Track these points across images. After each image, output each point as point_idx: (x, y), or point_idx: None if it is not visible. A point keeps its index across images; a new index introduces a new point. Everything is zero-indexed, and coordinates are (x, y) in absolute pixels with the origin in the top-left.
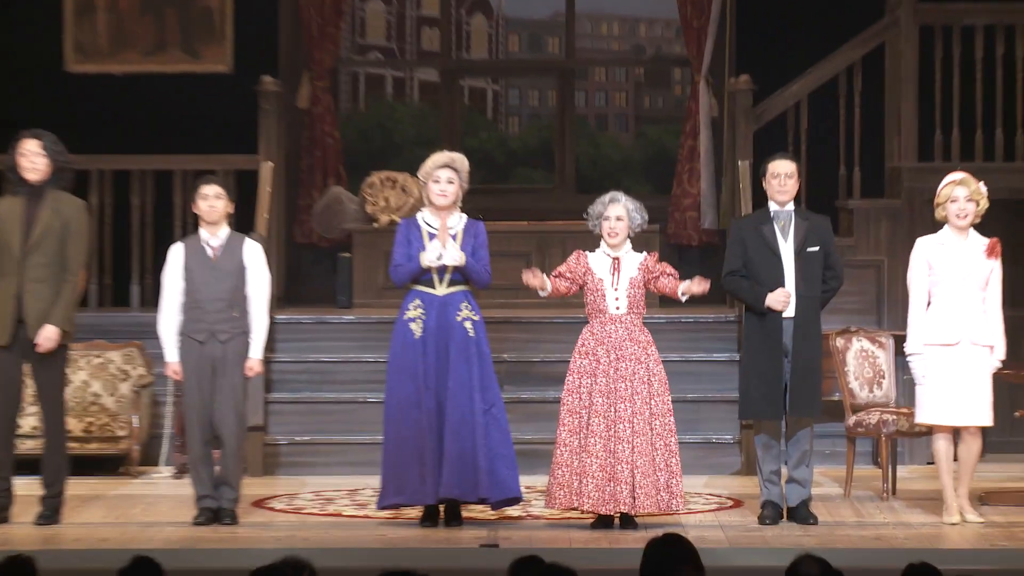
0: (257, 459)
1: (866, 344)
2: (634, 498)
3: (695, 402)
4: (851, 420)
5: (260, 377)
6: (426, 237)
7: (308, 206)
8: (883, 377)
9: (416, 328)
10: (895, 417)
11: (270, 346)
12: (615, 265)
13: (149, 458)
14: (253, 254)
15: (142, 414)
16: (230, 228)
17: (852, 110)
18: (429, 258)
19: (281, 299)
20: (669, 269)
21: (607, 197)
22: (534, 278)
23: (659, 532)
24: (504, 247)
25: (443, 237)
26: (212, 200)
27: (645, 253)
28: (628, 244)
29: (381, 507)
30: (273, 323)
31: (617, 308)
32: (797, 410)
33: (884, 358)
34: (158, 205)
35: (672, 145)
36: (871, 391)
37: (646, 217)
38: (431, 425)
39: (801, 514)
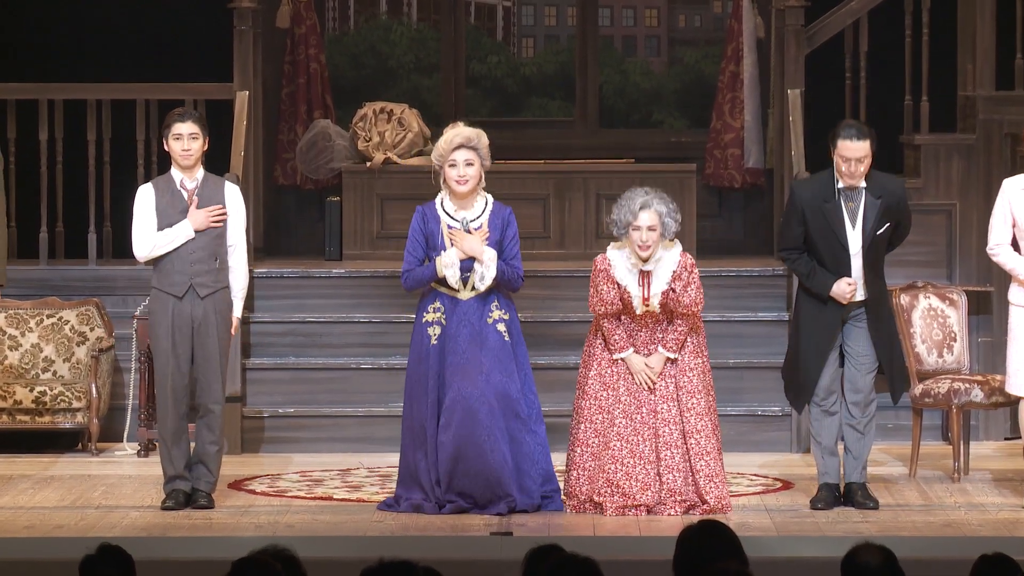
0: (235, 434)
1: (935, 302)
2: (701, 494)
3: (738, 368)
4: (917, 389)
5: (237, 340)
6: (447, 233)
7: (291, 142)
8: (954, 340)
9: (433, 333)
10: (968, 386)
11: (248, 304)
12: (643, 280)
13: (110, 433)
14: (234, 200)
15: (102, 382)
16: (205, 169)
17: (919, 30)
18: (449, 268)
19: (260, 250)
20: (691, 295)
21: (636, 202)
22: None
23: (695, 518)
24: (517, 189)
25: (473, 249)
26: (187, 141)
27: (678, 253)
28: (659, 249)
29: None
30: (252, 278)
31: (647, 311)
32: (896, 392)
33: (955, 318)
34: (117, 141)
35: (711, 72)
36: (940, 356)
37: (680, 219)
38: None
39: (859, 497)
